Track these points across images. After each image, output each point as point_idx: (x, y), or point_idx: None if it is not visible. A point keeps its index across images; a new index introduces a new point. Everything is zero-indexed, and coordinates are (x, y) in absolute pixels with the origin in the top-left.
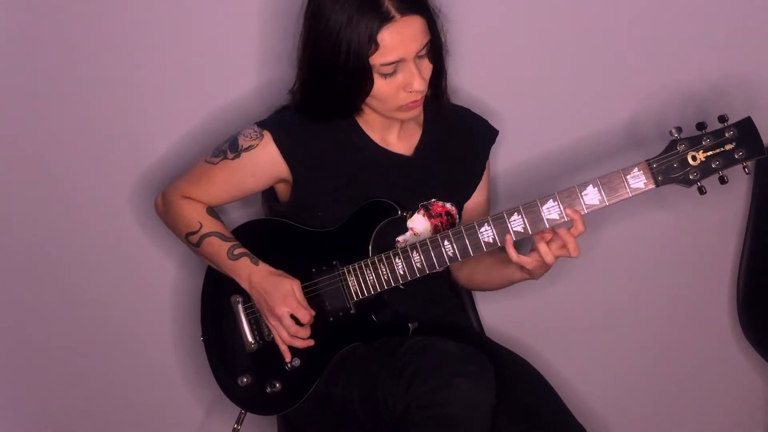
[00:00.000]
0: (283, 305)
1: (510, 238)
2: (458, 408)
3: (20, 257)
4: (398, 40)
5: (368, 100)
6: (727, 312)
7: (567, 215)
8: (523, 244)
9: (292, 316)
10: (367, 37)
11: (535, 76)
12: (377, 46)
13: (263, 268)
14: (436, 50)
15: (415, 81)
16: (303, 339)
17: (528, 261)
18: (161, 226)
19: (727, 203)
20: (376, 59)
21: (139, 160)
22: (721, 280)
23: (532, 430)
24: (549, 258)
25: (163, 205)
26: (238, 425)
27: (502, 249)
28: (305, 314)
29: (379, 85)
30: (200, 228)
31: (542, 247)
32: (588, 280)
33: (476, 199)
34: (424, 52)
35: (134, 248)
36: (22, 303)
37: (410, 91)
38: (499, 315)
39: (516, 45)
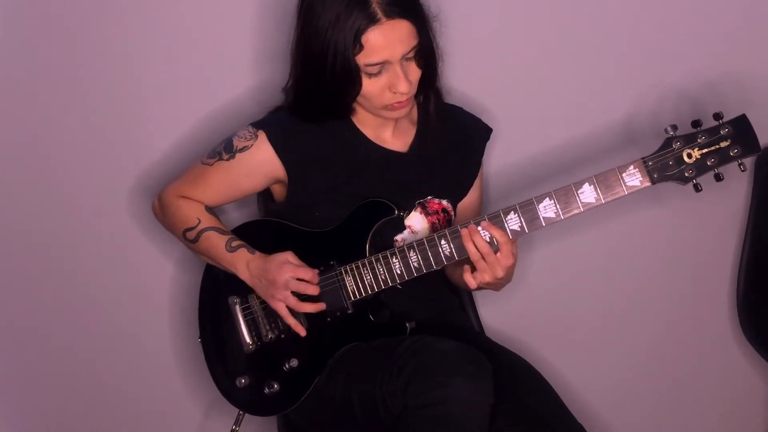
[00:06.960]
0: (283, 272)
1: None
2: (456, 407)
3: (17, 257)
4: (383, 42)
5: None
6: (727, 312)
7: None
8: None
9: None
10: (353, 37)
11: (530, 74)
12: (362, 46)
13: (260, 255)
14: (424, 54)
15: (400, 83)
16: (313, 303)
17: (473, 281)
18: (159, 227)
19: (727, 203)
20: (360, 59)
21: (135, 161)
22: (720, 280)
23: (531, 430)
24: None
25: (160, 207)
26: (236, 426)
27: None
28: (307, 272)
29: (365, 84)
30: (198, 224)
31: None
32: (588, 280)
33: (469, 199)
34: (411, 55)
35: (132, 249)
36: (19, 303)
37: (395, 92)
38: (499, 315)
39: (510, 44)
